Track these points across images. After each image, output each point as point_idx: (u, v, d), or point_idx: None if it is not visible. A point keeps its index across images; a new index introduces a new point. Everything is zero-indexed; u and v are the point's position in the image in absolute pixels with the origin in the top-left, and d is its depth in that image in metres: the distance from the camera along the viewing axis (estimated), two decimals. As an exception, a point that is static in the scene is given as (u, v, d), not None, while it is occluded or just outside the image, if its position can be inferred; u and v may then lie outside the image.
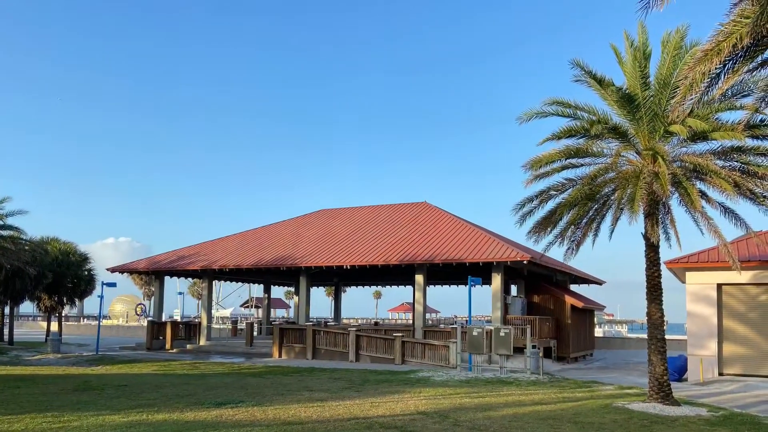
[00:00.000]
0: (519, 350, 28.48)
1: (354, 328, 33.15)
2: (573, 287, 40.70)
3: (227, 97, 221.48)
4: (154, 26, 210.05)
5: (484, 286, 44.23)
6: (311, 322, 38.65)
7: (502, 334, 26.62)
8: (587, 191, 18.76)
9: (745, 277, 25.32)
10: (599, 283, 41.31)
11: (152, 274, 42.24)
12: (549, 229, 19.68)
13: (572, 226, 19.58)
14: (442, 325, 47.80)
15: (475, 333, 26.75)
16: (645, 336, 22.43)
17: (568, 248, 19.93)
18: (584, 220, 19.69)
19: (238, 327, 48.33)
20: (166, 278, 42.47)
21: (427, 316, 54.22)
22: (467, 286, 28.71)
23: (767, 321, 25.85)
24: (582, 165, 19.44)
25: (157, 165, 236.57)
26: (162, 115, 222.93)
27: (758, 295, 26.11)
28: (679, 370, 26.76)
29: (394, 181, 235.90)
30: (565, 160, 19.33)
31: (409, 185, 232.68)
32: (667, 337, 20.38)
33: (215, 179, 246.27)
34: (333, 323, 49.22)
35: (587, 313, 37.38)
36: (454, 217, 38.10)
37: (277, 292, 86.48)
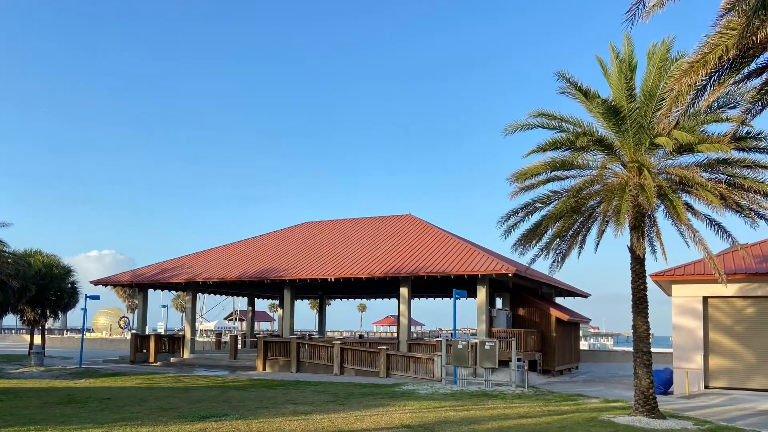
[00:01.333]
0: (504, 363, 28.31)
1: (338, 341, 32.92)
2: (558, 300, 40.70)
3: (211, 109, 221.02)
4: (139, 38, 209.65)
5: (469, 299, 44.36)
6: (295, 335, 38.42)
7: (487, 347, 26.50)
8: (573, 204, 18.70)
9: (731, 290, 25.35)
10: (585, 295, 41.30)
11: (136, 287, 41.81)
12: (534, 241, 19.60)
13: (557, 239, 19.51)
14: (426, 338, 47.49)
15: (459, 346, 26.61)
16: (631, 349, 22.34)
17: (554, 261, 19.86)
18: (570, 233, 19.63)
19: (222, 340, 47.87)
20: (150, 291, 42.13)
21: (412, 329, 54.00)
22: (452, 298, 28.59)
23: (753, 334, 25.81)
24: (567, 177, 19.40)
25: (141, 177, 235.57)
26: (146, 127, 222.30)
27: (744, 308, 26.09)
28: (665, 384, 26.72)
29: (379, 194, 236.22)
30: (551, 172, 19.28)
31: (395, 197, 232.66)
32: (653, 350, 20.35)
33: (199, 192, 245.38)
34: (317, 336, 48.94)
35: (572, 326, 37.32)
36: (439, 229, 37.99)
37: (261, 305, 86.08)
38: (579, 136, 18.47)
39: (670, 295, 28.30)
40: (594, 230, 19.44)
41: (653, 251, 19.80)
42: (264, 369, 33.23)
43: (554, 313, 33.51)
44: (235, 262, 38.58)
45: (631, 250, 18.80)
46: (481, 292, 30.99)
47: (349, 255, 35.67)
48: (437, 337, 42.99)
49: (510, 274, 29.47)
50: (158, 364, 37.65)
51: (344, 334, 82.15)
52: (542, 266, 23.94)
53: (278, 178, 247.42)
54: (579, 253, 19.90)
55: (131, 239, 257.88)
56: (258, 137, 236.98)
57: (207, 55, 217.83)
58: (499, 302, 36.36)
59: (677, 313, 26.87)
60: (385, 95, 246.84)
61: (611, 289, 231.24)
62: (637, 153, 18.38)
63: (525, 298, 34.80)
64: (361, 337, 59.58)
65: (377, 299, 48.64)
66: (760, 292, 25.61)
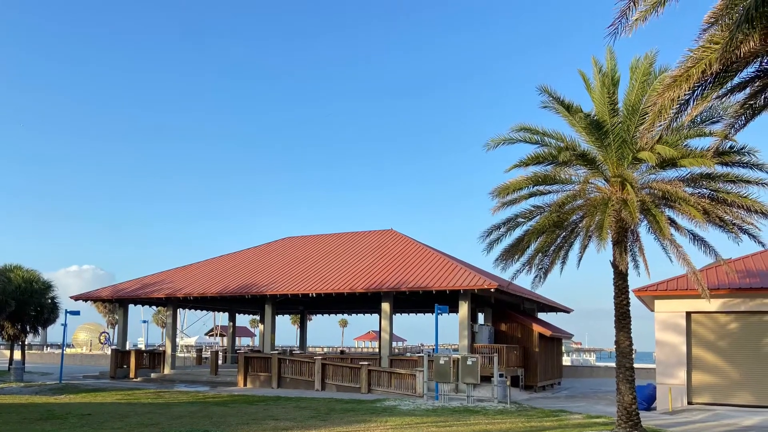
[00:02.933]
0: (486, 379, 28.18)
1: (320, 357, 32.61)
2: (541, 315, 40.58)
3: (190, 122, 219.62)
4: (116, 51, 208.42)
5: (451, 314, 44.15)
6: (276, 350, 38.06)
7: (469, 362, 26.36)
8: (555, 219, 18.60)
9: (714, 305, 25.27)
10: (567, 311, 41.23)
11: (116, 302, 41.29)
12: (517, 256, 19.47)
13: (540, 254, 19.41)
14: (408, 354, 47.33)
15: (441, 362, 26.42)
16: (613, 364, 22.27)
17: (536, 276, 19.76)
18: (552, 248, 19.53)
19: (203, 356, 47.36)
20: (131, 306, 41.67)
21: (394, 344, 53.68)
22: (434, 314, 28.42)
23: (737, 349, 25.80)
24: (550, 192, 19.30)
25: (122, 192, 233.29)
26: (125, 141, 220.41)
27: (727, 324, 26.09)
28: (648, 399, 26.59)
29: (359, 209, 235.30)
30: (533, 187, 19.17)
31: (376, 212, 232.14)
32: (635, 365, 20.24)
33: (179, 206, 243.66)
34: (298, 351, 48.50)
35: (555, 341, 37.21)
36: (421, 244, 37.82)
37: (242, 320, 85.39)
38: (561, 151, 18.34)
39: (652, 310, 28.29)
40: (576, 245, 19.37)
41: (636, 266, 19.73)
42: (245, 384, 32.86)
43: (536, 328, 33.39)
44: (216, 277, 38.22)
45: (614, 265, 18.70)
46: (463, 308, 30.83)
47: (331, 270, 35.42)
48: (419, 353, 42.81)
49: (492, 290, 29.33)
50: (138, 379, 37.19)
51: (326, 349, 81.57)
52: (525, 281, 23.83)
53: (258, 193, 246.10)
54: (561, 268, 19.84)
55: (112, 254, 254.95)
56: (239, 150, 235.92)
57: (184, 69, 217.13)
58: (481, 317, 36.18)
59: (660, 329, 26.81)
60: (365, 112, 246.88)
61: (594, 304, 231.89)
62: (620, 168, 18.32)
63: (507, 314, 34.66)
64: (342, 352, 59.15)
65: (359, 315, 48.36)
66: (743, 307, 25.58)
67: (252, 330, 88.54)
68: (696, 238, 19.07)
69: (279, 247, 42.89)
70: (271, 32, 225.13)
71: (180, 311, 76.58)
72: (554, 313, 42.14)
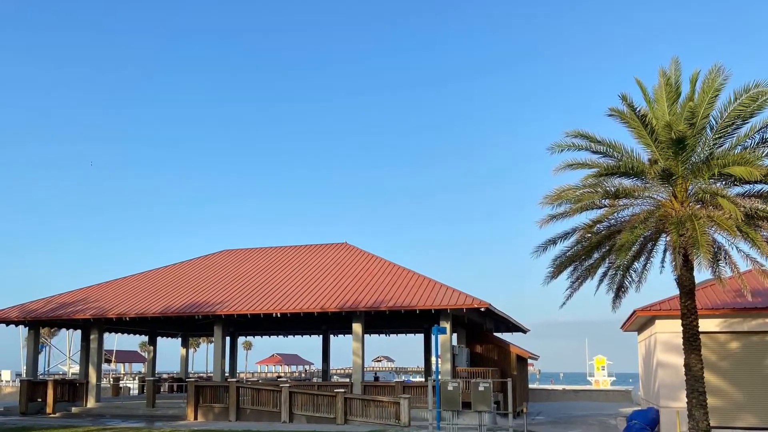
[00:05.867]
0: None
1: (287, 384, 29.34)
2: (496, 335, 38.83)
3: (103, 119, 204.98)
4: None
5: (417, 335, 41.92)
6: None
7: (450, 388, 24.29)
8: (637, 234, 16.95)
9: (716, 325, 25.00)
10: (524, 330, 39.55)
11: (26, 326, 36.04)
12: (591, 272, 17.82)
13: (618, 270, 17.80)
14: (380, 378, 44.69)
15: (450, 388, 24.06)
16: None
17: (615, 296, 18.22)
18: (623, 264, 17.97)
19: (121, 385, 42.56)
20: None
21: (336, 366, 50.61)
22: (433, 334, 26.11)
23: (740, 371, 25.07)
24: (626, 207, 17.82)
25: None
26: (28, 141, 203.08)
27: (728, 343, 25.38)
28: (651, 424, 25.39)
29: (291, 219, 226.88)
30: (604, 200, 17.68)
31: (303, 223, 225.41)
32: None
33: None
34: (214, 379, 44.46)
35: (524, 363, 35.61)
36: (383, 259, 35.19)
37: (130, 342, 78.90)
38: (641, 164, 17.12)
39: (638, 331, 27.26)
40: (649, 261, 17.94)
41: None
42: (195, 418, 29.04)
43: (514, 350, 31.65)
44: (153, 295, 34.06)
45: (682, 284, 17.34)
46: (446, 329, 28.50)
47: (292, 287, 32.22)
48: (405, 378, 40.39)
49: (482, 309, 27.37)
50: (57, 415, 32.26)
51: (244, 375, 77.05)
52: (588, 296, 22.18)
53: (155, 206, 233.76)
54: (638, 287, 18.32)
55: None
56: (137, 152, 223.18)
57: (111, 64, 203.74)
58: (453, 338, 34.03)
59: (663, 350, 25.83)
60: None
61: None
62: (699, 182, 17.02)
63: (483, 335, 32.74)
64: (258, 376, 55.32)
65: (297, 336, 45.04)
66: (745, 326, 24.96)
67: (143, 354, 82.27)
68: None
69: (221, 261, 39.02)
70: (228, 29, 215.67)
71: (66, 335, 70.52)
72: (510, 334, 40.47)
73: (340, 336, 44.08)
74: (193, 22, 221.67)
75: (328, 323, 38.75)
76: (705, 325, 24.15)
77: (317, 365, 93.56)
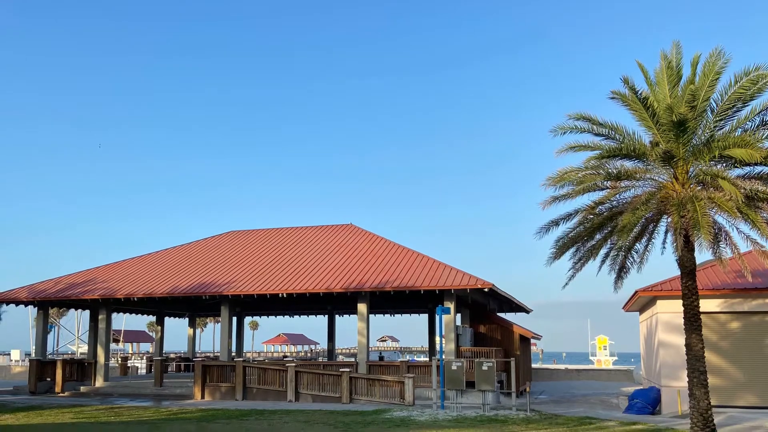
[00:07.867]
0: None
1: (293, 364, 29.75)
2: (499, 315, 39.19)
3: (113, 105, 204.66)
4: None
5: (421, 315, 42.30)
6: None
7: (453, 367, 24.71)
8: (634, 216, 17.21)
9: (717, 305, 25.20)
10: (527, 311, 39.89)
11: (36, 305, 36.48)
12: (593, 254, 18.16)
13: (620, 251, 18.09)
14: (385, 358, 45.11)
15: (454, 367, 24.42)
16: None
17: (617, 276, 18.50)
18: (625, 245, 18.25)
19: (129, 364, 43.05)
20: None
21: (341, 346, 51.06)
22: (437, 315, 26.43)
23: (739, 350, 25.35)
24: (627, 188, 18.05)
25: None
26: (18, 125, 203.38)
27: (728, 323, 25.65)
28: (653, 403, 25.77)
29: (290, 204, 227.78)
30: (606, 182, 17.90)
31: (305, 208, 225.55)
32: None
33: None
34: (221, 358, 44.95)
35: (527, 342, 36.00)
36: (388, 240, 35.45)
37: (138, 323, 79.81)
38: (642, 146, 17.33)
39: (637, 311, 27.54)
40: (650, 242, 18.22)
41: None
42: (203, 397, 29.49)
43: (517, 329, 32.01)
44: (160, 275, 34.45)
45: (683, 265, 17.60)
46: (450, 309, 28.84)
47: (298, 267, 32.58)
48: (407, 357, 40.78)
49: (486, 289, 27.67)
50: (66, 394, 32.77)
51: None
52: (591, 277, 22.53)
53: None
54: (640, 267, 18.62)
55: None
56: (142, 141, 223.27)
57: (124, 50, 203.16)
58: (457, 318, 34.38)
59: (664, 330, 26.11)
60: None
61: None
62: (699, 164, 17.22)
63: (486, 315, 33.08)
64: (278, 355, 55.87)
65: (301, 316, 45.51)
66: (745, 306, 25.22)
67: (150, 334, 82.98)
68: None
69: (227, 242, 39.37)
70: (227, 14, 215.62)
71: (75, 315, 71.00)
72: (513, 314, 40.84)
73: (346, 316, 44.55)
74: (198, 8, 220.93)
75: (333, 303, 39.21)
76: (706, 305, 24.45)
77: (323, 345, 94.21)
